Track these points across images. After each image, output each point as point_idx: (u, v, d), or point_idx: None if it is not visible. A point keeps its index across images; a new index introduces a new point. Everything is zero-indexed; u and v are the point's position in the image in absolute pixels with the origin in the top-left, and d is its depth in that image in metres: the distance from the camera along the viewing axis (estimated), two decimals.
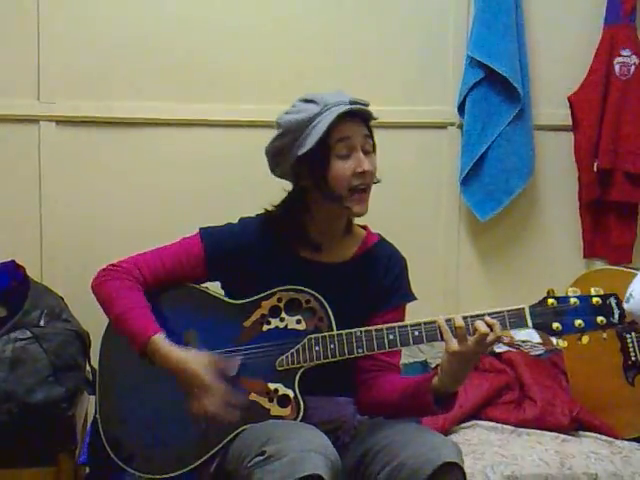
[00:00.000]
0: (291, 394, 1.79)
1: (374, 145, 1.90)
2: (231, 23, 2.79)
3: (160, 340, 1.80)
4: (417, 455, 1.67)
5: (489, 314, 1.73)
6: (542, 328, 1.75)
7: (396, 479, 1.67)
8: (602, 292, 1.75)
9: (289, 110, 1.88)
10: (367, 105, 1.88)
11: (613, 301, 1.74)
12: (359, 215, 1.90)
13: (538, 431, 2.38)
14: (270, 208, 1.96)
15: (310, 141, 1.80)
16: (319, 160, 1.82)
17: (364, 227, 2.02)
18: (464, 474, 1.70)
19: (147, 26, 2.75)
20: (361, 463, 1.78)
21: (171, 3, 2.77)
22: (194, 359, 1.79)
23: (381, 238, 2.01)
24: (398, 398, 1.86)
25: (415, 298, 1.98)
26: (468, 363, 1.74)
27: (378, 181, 1.91)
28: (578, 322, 1.73)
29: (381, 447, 1.75)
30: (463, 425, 2.40)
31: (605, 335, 1.75)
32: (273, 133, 1.89)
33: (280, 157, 1.89)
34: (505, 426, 2.40)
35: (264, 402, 1.80)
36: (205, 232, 1.95)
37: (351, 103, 1.84)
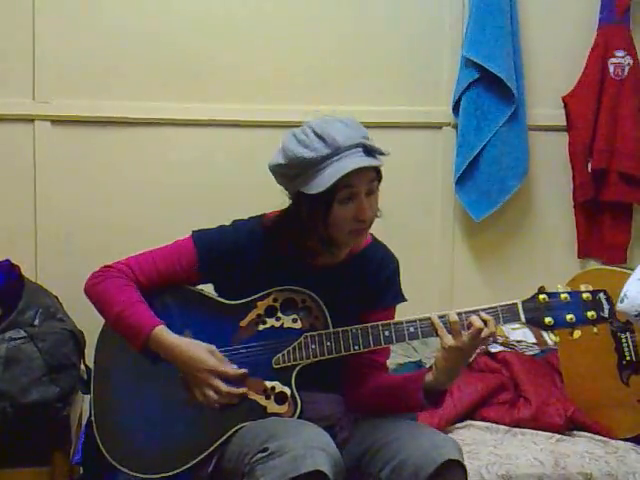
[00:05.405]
0: (288, 392, 1.79)
1: (380, 180, 1.83)
2: (230, 22, 2.79)
3: (164, 331, 1.82)
4: (419, 453, 1.67)
5: (483, 309, 1.76)
6: (535, 323, 1.78)
7: (398, 477, 1.68)
8: (591, 288, 1.78)
9: (298, 136, 1.77)
10: (383, 154, 1.79)
11: (602, 296, 1.78)
12: (357, 245, 1.90)
13: (533, 431, 2.38)
14: (267, 218, 1.92)
15: (313, 186, 1.74)
16: (320, 205, 1.77)
17: None
18: (465, 471, 1.71)
19: (143, 25, 2.75)
20: (360, 462, 1.78)
21: (168, 2, 2.76)
22: (198, 345, 1.82)
23: (374, 239, 1.99)
24: (385, 396, 1.87)
25: (405, 299, 1.98)
26: (462, 358, 1.77)
27: (379, 216, 1.86)
28: (569, 316, 1.76)
29: (380, 445, 1.75)
30: (458, 425, 2.40)
31: (596, 330, 1.78)
32: (276, 150, 1.81)
33: (282, 181, 1.83)
34: (500, 426, 2.40)
35: (261, 400, 1.80)
36: (197, 235, 1.93)
37: (364, 150, 1.76)
